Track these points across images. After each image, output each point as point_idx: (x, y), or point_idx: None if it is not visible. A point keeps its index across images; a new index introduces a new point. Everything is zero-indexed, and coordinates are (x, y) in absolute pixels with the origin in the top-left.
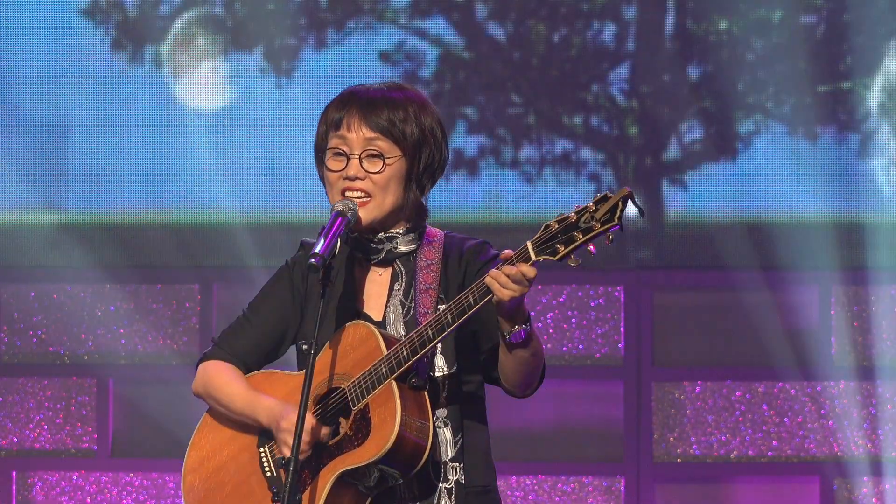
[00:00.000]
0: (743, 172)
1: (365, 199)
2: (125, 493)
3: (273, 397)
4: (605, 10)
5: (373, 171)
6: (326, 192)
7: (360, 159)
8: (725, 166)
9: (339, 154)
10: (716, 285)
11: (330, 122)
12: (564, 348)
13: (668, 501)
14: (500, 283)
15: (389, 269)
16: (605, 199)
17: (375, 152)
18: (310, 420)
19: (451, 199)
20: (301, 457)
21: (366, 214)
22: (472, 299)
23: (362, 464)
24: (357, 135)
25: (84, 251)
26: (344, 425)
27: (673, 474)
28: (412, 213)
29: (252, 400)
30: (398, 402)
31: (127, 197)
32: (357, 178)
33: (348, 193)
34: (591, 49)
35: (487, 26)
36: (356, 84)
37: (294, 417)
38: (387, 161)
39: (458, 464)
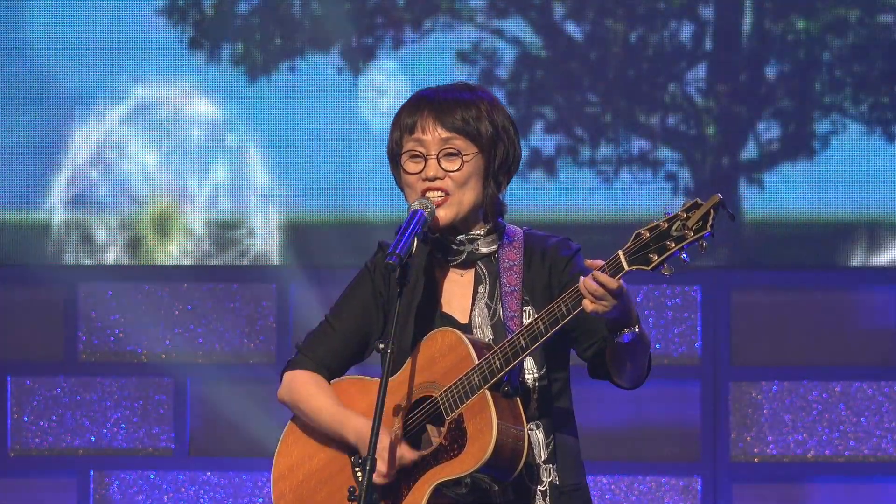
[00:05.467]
0: (820, 172)
1: (444, 198)
2: (202, 491)
3: (360, 414)
4: (683, 9)
5: (451, 169)
6: (405, 196)
7: (438, 159)
8: (803, 166)
9: (416, 156)
10: (793, 285)
11: (404, 126)
12: None
13: (745, 501)
14: (593, 297)
15: (472, 271)
16: (695, 206)
17: (453, 151)
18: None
19: (528, 199)
20: (388, 475)
21: (445, 213)
22: (564, 309)
23: (461, 475)
24: (433, 136)
25: (162, 250)
26: (436, 434)
27: (750, 474)
28: (491, 211)
29: (339, 417)
30: (493, 411)
31: (204, 196)
32: (437, 178)
33: (429, 194)
34: (669, 48)
35: (565, 25)
36: (425, 87)
37: (386, 441)
38: (464, 158)
39: (551, 465)
